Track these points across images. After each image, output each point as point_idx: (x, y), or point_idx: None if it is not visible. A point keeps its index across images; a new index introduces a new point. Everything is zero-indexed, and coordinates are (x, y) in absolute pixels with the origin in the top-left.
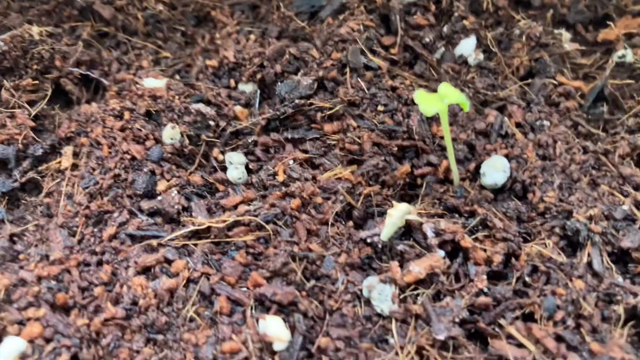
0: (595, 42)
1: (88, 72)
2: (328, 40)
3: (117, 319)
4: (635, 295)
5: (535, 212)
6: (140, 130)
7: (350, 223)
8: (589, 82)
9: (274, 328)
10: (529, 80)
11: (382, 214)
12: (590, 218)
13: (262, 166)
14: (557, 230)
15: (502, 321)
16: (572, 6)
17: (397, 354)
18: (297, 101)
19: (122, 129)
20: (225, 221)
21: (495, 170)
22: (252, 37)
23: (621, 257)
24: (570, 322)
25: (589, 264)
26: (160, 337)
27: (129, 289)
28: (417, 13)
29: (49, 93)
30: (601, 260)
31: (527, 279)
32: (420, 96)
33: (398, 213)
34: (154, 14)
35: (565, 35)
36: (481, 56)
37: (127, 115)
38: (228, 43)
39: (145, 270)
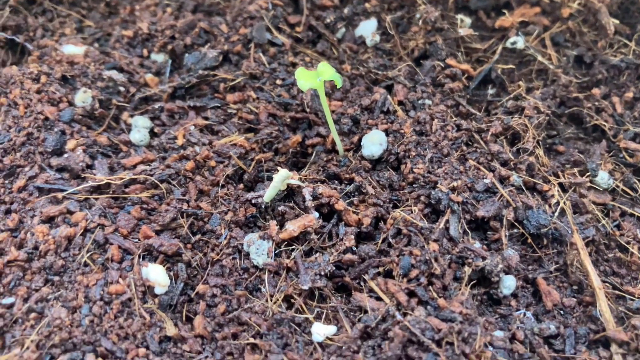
0: (493, 29)
1: (14, 37)
2: (238, 16)
3: (19, 261)
4: (484, 258)
5: (406, 181)
6: (54, 93)
7: (241, 186)
8: (481, 65)
9: (155, 274)
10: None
11: (272, 178)
12: (453, 189)
13: (165, 130)
14: (422, 198)
15: (365, 276)
16: None
17: (267, 301)
18: (201, 72)
19: (38, 91)
20: (122, 179)
21: (373, 143)
22: (169, 10)
23: (481, 225)
24: (423, 280)
25: (447, 229)
26: (57, 278)
27: (32, 235)
28: None
29: None
30: (458, 226)
31: (391, 240)
32: (299, 72)
33: (279, 177)
34: None
35: (466, 20)
36: (378, 38)
37: (43, 78)
38: (145, 15)
39: (49, 220)
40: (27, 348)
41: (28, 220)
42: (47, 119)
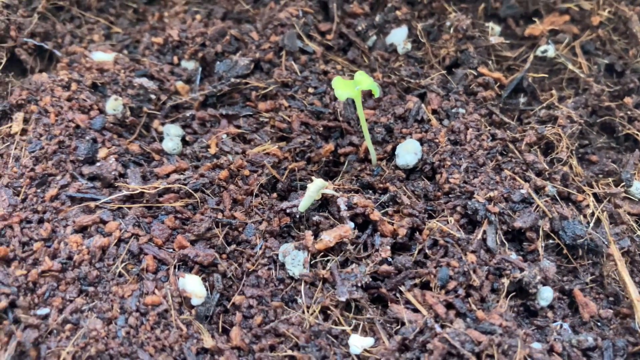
0: (523, 37)
1: (42, 44)
2: (268, 23)
3: (53, 271)
4: (521, 270)
5: (441, 191)
6: (85, 100)
7: (275, 195)
8: (512, 74)
9: (192, 285)
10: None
11: (305, 187)
12: (489, 199)
13: (197, 139)
14: (458, 209)
15: (402, 288)
16: (504, 1)
17: (303, 312)
18: (233, 80)
19: (69, 99)
20: (156, 188)
21: (407, 152)
22: (198, 17)
23: (517, 236)
24: (461, 292)
25: (484, 241)
26: (91, 289)
27: (66, 245)
28: (353, 2)
29: (4, 61)
30: (495, 237)
31: (427, 251)
32: (336, 82)
33: (314, 187)
34: None
35: (496, 28)
36: (409, 45)
37: (74, 86)
38: (174, 22)
39: (82, 229)
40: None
41: (61, 229)
42: (78, 126)
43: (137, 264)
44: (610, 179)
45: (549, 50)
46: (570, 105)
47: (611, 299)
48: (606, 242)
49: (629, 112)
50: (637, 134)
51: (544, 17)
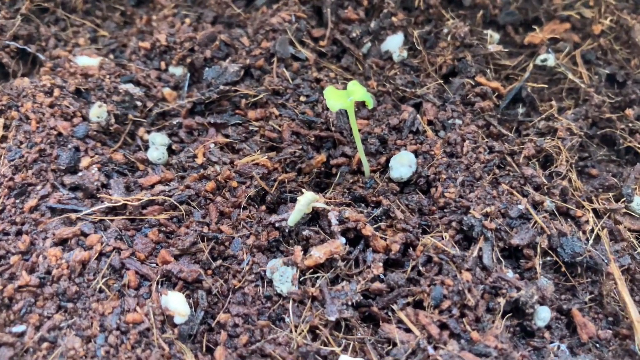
0: (522, 45)
1: (25, 47)
2: (260, 28)
3: (30, 286)
4: (518, 289)
5: (436, 206)
6: (68, 107)
7: (263, 207)
8: (510, 83)
9: (175, 303)
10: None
11: (295, 200)
12: (486, 215)
13: (184, 148)
14: (454, 224)
15: (394, 306)
16: (503, 7)
17: (291, 332)
18: (222, 87)
19: (51, 105)
20: (139, 199)
21: (402, 164)
22: (187, 20)
23: (514, 253)
24: (455, 311)
25: (480, 258)
26: (70, 305)
27: (45, 258)
28: (348, 7)
29: None
30: (491, 255)
31: (421, 268)
32: (329, 92)
33: (304, 200)
34: None
35: (494, 36)
36: (405, 53)
37: (57, 92)
38: (163, 25)
39: (62, 242)
40: None
41: (40, 242)
42: (60, 134)
43: (119, 279)
44: (611, 194)
45: (549, 59)
46: (570, 117)
47: (610, 319)
48: (606, 260)
49: (630, 124)
50: (639, 147)
51: (544, 24)
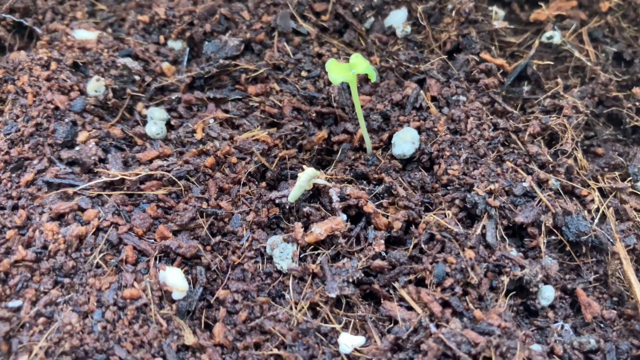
0: (527, 22)
1: (21, 20)
2: (260, 2)
3: (26, 261)
4: (522, 268)
5: (439, 183)
6: (65, 80)
7: (264, 184)
8: (515, 60)
9: (172, 278)
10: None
11: (296, 177)
12: (490, 192)
13: (183, 123)
14: (457, 202)
15: (395, 284)
16: None
17: (291, 308)
18: (221, 61)
19: (48, 79)
20: (137, 174)
21: (404, 141)
22: None
23: (518, 232)
24: (457, 289)
25: (483, 236)
26: (67, 280)
27: (41, 233)
28: None
29: None
30: (495, 233)
31: (423, 246)
32: (330, 65)
33: (305, 176)
34: None
35: (500, 12)
36: (409, 28)
37: (54, 65)
38: None
39: (59, 217)
40: (35, 355)
41: (36, 217)
42: (57, 108)
43: (116, 254)
44: (617, 173)
45: (555, 36)
46: (576, 95)
47: (615, 299)
48: (611, 240)
49: (637, 103)
50: None
51: (550, 1)
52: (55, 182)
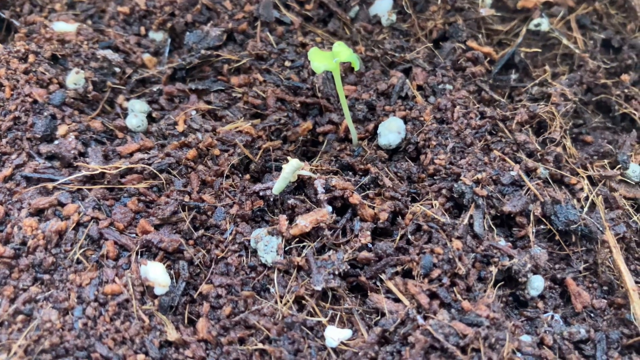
0: (515, 9)
1: None
2: None
3: (5, 258)
4: (511, 257)
5: (426, 173)
6: (44, 73)
7: (247, 176)
8: (502, 48)
9: (155, 273)
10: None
11: (280, 168)
12: (477, 182)
13: (164, 115)
14: (444, 192)
15: (382, 276)
16: None
17: (276, 302)
18: (203, 52)
19: (26, 72)
20: (118, 168)
21: (390, 131)
22: None
23: (506, 221)
24: (445, 280)
25: (471, 226)
26: (46, 276)
27: (20, 229)
28: None
29: None
30: (483, 222)
31: (410, 237)
32: (313, 53)
33: (289, 168)
34: None
35: (486, 0)
36: (394, 17)
37: (31, 58)
38: None
39: (38, 212)
40: (15, 353)
41: (15, 212)
42: (35, 102)
43: (97, 250)
44: (606, 161)
45: (543, 23)
46: (564, 82)
47: (605, 288)
48: (601, 228)
49: (625, 90)
50: (634, 114)
51: None
52: (35, 177)
